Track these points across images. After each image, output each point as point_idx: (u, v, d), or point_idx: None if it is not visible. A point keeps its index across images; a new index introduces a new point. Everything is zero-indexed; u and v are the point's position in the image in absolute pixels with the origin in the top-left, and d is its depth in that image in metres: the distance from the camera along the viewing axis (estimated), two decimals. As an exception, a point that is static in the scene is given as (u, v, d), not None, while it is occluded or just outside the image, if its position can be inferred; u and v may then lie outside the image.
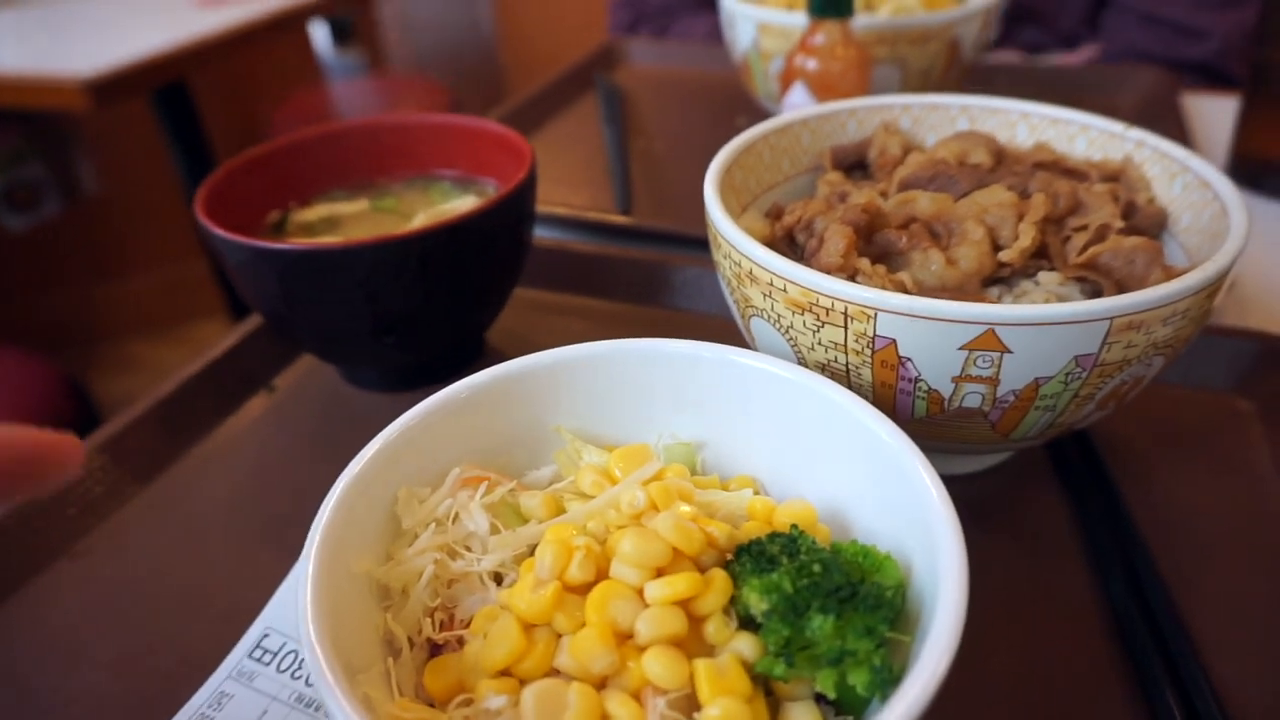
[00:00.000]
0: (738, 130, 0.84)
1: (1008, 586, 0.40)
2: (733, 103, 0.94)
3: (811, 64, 0.64)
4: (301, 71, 2.60)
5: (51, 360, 1.42)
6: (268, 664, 0.39)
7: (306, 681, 0.38)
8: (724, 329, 0.59)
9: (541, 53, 2.64)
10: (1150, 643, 0.37)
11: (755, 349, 0.43)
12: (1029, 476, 0.46)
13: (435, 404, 0.35)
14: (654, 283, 0.63)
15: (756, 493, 0.36)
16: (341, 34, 2.57)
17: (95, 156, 2.24)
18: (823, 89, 0.64)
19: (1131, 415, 0.47)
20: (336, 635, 0.27)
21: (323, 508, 0.30)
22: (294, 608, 0.40)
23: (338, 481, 0.31)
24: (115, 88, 1.41)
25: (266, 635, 0.40)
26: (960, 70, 0.75)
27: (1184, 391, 0.50)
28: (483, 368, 0.57)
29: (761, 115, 0.88)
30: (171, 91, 1.67)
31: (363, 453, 0.33)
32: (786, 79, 0.66)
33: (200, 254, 2.03)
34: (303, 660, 0.38)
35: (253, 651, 0.39)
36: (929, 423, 0.38)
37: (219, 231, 0.46)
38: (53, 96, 1.40)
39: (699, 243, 0.67)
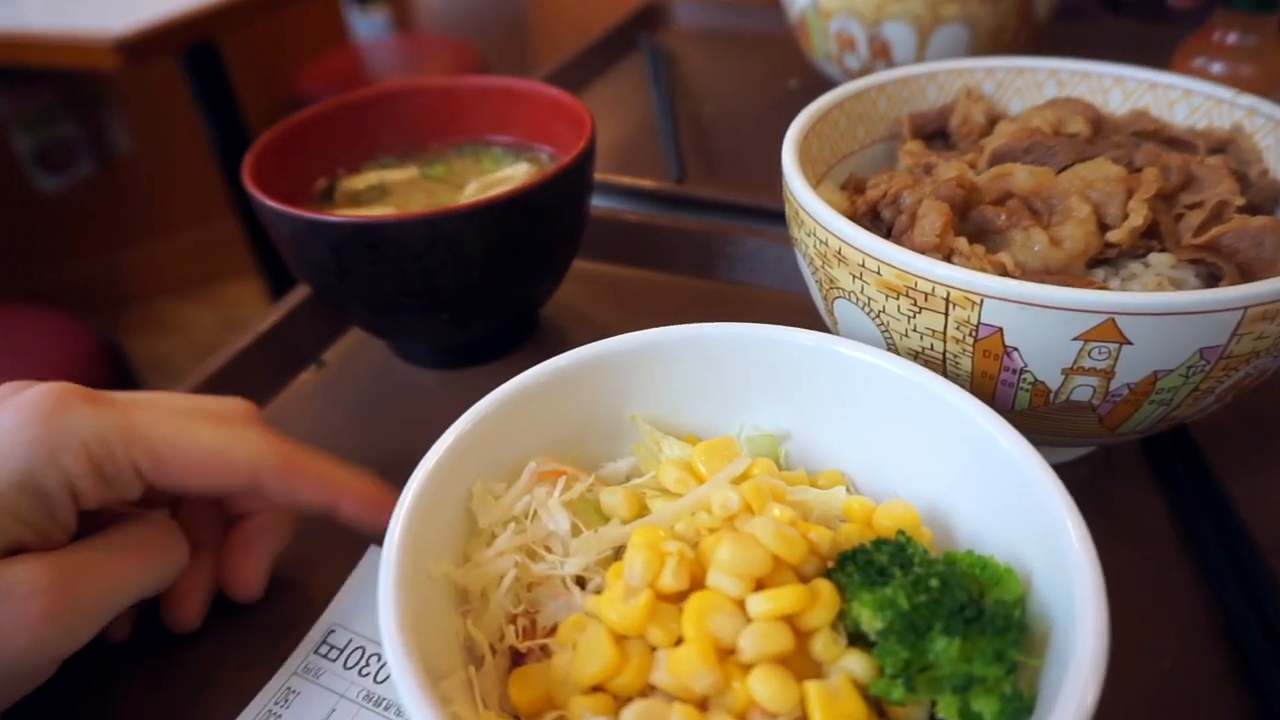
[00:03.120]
0: (791, 93, 0.80)
1: (1109, 584, 0.38)
2: (784, 63, 0.90)
3: (1218, 67, 0.55)
4: (329, 32, 2.56)
5: (86, 321, 1.42)
6: (334, 660, 0.37)
7: (375, 679, 0.36)
8: (789, 304, 0.56)
9: (571, 12, 2.58)
10: (1264, 645, 0.35)
11: (837, 332, 0.41)
12: (1121, 468, 0.44)
13: (509, 392, 0.33)
14: (710, 255, 0.60)
15: (849, 490, 0.34)
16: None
17: (127, 117, 2.22)
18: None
19: (1234, 404, 0.44)
20: (419, 643, 0.26)
21: (399, 506, 0.29)
22: (361, 604, 0.39)
23: (413, 478, 0.30)
24: (146, 47, 1.39)
25: (332, 631, 0.38)
26: (1033, 30, 0.71)
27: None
28: (537, 344, 0.56)
29: (815, 77, 0.85)
30: (202, 51, 1.64)
31: (436, 446, 0.31)
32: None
33: (230, 214, 2.01)
34: (370, 657, 0.37)
35: (319, 647, 0.38)
36: (1029, 415, 0.36)
37: (270, 202, 0.44)
38: (84, 55, 1.38)
39: (756, 212, 0.64)
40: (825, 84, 0.84)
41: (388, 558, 0.27)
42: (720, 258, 0.60)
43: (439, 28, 2.87)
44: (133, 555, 0.33)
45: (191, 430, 0.34)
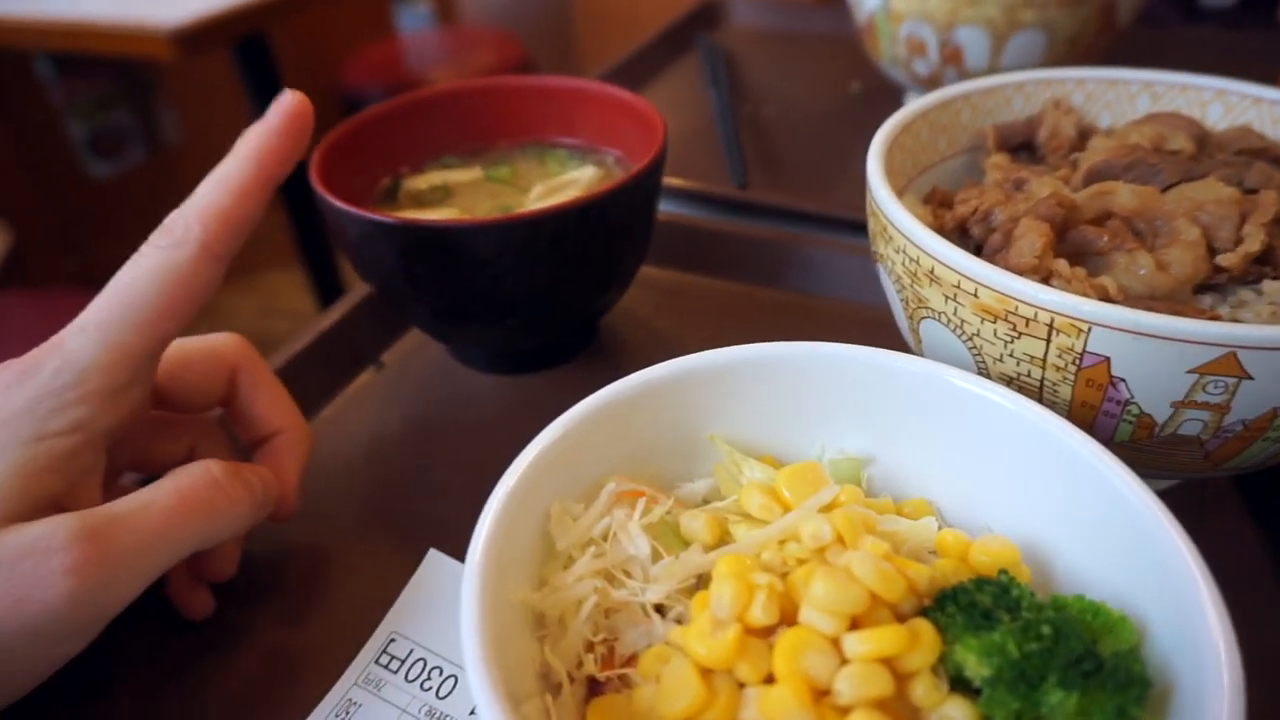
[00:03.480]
0: (852, 98, 0.78)
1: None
2: (844, 66, 0.88)
3: None
4: (374, 23, 2.58)
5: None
6: (395, 671, 0.36)
7: (437, 695, 0.36)
8: (857, 316, 0.55)
9: (615, 3, 2.57)
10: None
11: (919, 352, 0.40)
12: (1211, 502, 0.42)
13: (589, 409, 0.32)
14: (775, 263, 0.59)
15: (938, 521, 0.33)
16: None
17: (176, 106, 2.25)
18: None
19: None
20: (499, 673, 0.25)
21: (479, 528, 0.28)
22: (421, 612, 0.38)
23: (494, 496, 0.29)
24: (200, 38, 1.40)
25: (393, 640, 0.38)
26: (1112, 37, 0.68)
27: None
28: (596, 352, 0.55)
29: (877, 81, 0.83)
30: (252, 43, 1.65)
31: (516, 464, 0.30)
32: None
33: (273, 204, 2.04)
34: (432, 670, 0.36)
35: (379, 657, 0.37)
36: (1128, 447, 0.34)
37: (338, 204, 0.43)
38: (140, 45, 1.39)
39: (821, 220, 0.63)
40: (887, 88, 0.83)
41: (470, 579, 0.26)
42: (785, 266, 0.59)
43: (482, 19, 2.87)
44: (178, 503, 0.32)
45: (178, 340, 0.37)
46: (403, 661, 0.37)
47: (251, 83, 1.72)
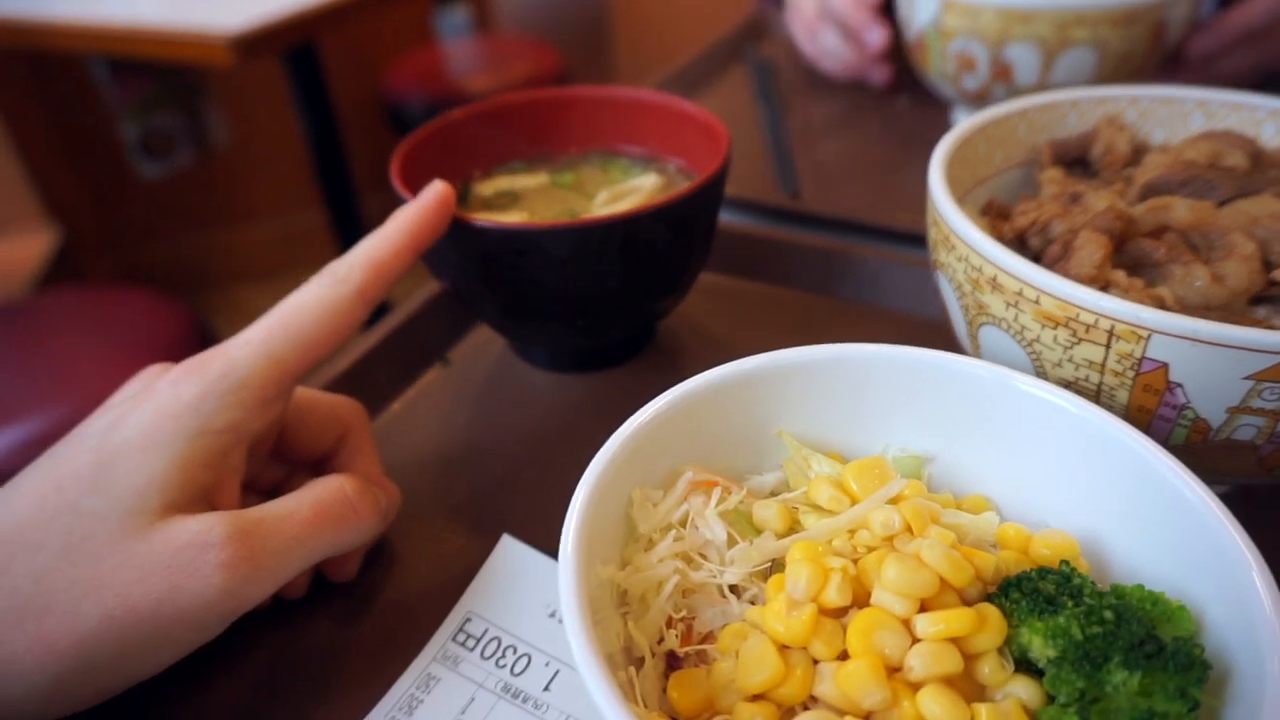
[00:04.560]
0: (898, 112, 0.80)
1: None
2: (891, 81, 0.90)
3: None
4: (414, 30, 2.62)
5: (183, 303, 1.48)
6: (472, 649, 0.38)
7: (512, 671, 0.38)
8: (910, 323, 0.56)
9: (650, 10, 2.60)
10: None
11: (979, 357, 0.41)
12: (1264, 505, 0.43)
13: (667, 403, 0.34)
14: (829, 271, 0.61)
15: (998, 516, 0.34)
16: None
17: (224, 109, 2.31)
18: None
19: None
20: (599, 645, 0.26)
21: (571, 511, 0.30)
22: (495, 594, 0.40)
23: (584, 480, 0.31)
24: (256, 45, 1.44)
25: (469, 620, 0.40)
26: (1162, 55, 0.69)
27: None
28: (654, 354, 0.57)
29: (925, 96, 0.84)
30: (302, 50, 1.69)
31: (603, 451, 0.32)
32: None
33: (314, 205, 2.07)
34: (507, 649, 0.38)
35: (456, 635, 0.39)
36: (1183, 450, 0.35)
37: (419, 206, 0.46)
38: (199, 51, 1.43)
39: (872, 231, 0.64)
40: (934, 103, 0.84)
41: (566, 559, 0.28)
42: (838, 274, 0.60)
43: (519, 26, 2.91)
44: (314, 514, 0.35)
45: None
46: (478, 640, 0.39)
47: (299, 88, 1.77)
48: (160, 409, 0.33)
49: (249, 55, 1.45)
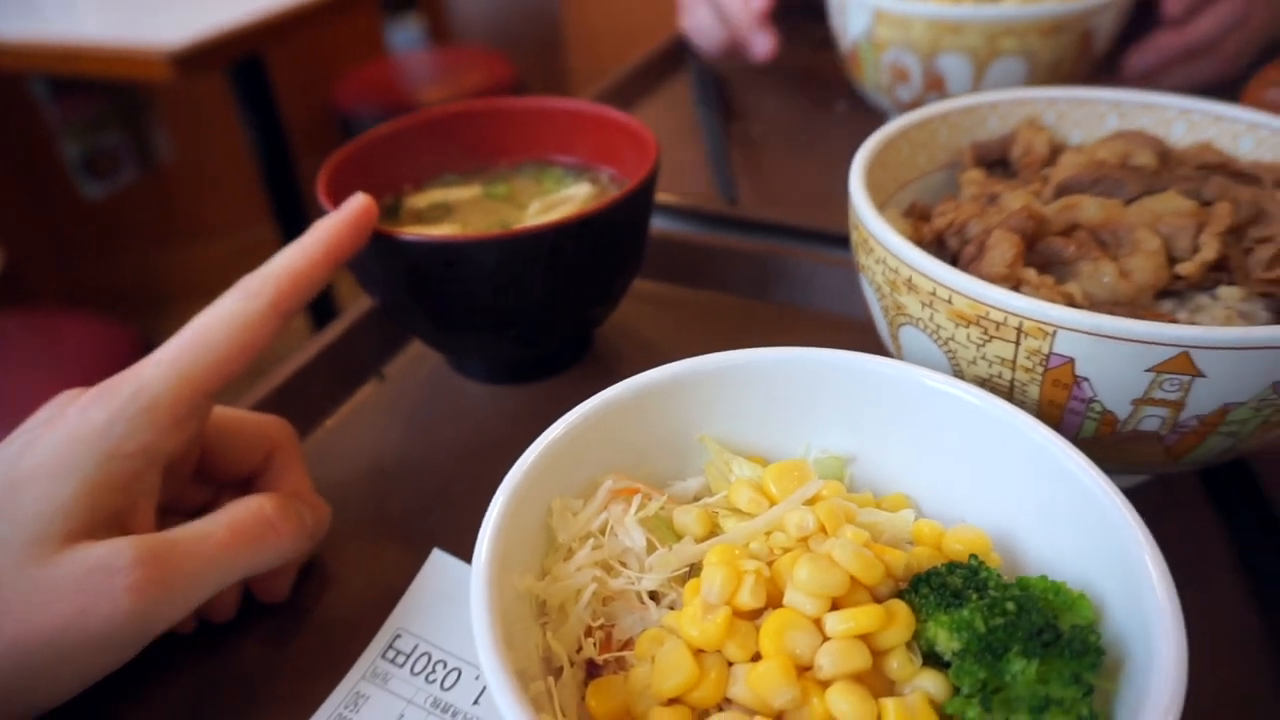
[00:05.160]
0: (838, 116, 0.81)
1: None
2: (830, 85, 0.91)
3: None
4: (366, 42, 2.61)
5: (124, 323, 1.45)
6: (401, 665, 0.38)
7: (441, 686, 0.37)
8: (843, 326, 0.57)
9: (605, 22, 2.60)
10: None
11: (900, 357, 0.42)
12: (1178, 497, 0.44)
13: (586, 412, 0.34)
14: (764, 276, 0.61)
15: (915, 514, 0.35)
16: (403, 6, 2.56)
17: (169, 125, 2.27)
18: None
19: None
20: (510, 655, 0.26)
21: (486, 521, 0.30)
22: (425, 609, 0.40)
23: (499, 493, 0.31)
24: (199, 59, 1.42)
25: (399, 636, 0.39)
26: (1091, 64, 0.71)
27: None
28: (591, 363, 0.57)
29: (862, 103, 0.86)
30: (248, 64, 1.67)
31: (520, 463, 0.32)
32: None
33: (265, 221, 2.05)
34: (436, 664, 0.38)
35: (385, 652, 0.39)
36: (1093, 443, 0.36)
37: (344, 220, 0.45)
38: (138, 68, 1.41)
39: (808, 235, 0.65)
40: (872, 107, 0.85)
41: (479, 570, 0.28)
42: (774, 279, 0.61)
43: (473, 38, 2.91)
44: (230, 535, 0.34)
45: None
46: (408, 656, 0.39)
47: (246, 103, 1.75)
48: (69, 434, 0.33)
49: (191, 71, 1.43)
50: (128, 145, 2.21)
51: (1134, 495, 0.43)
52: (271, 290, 0.37)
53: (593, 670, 0.30)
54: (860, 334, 0.49)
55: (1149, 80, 0.76)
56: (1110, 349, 0.32)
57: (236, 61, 1.62)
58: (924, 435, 0.35)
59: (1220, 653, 0.37)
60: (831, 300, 0.59)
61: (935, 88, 0.71)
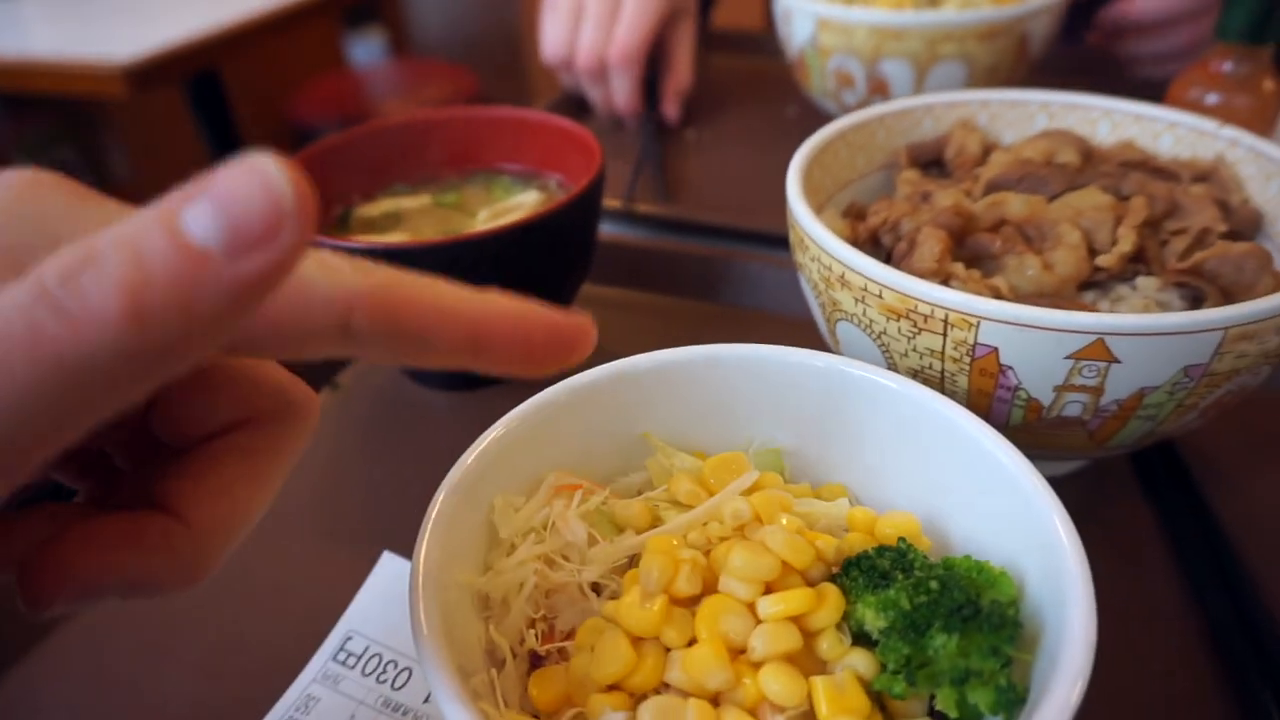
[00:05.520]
0: (788, 121, 0.82)
1: (1099, 594, 0.39)
2: (781, 90, 0.93)
3: (1213, 98, 0.55)
4: (326, 55, 2.60)
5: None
6: (352, 667, 0.38)
7: (392, 686, 0.38)
8: (790, 325, 0.58)
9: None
10: (1250, 653, 0.36)
11: (839, 352, 0.43)
12: (1110, 483, 0.45)
13: (528, 410, 0.35)
14: (713, 278, 0.62)
15: (850, 502, 0.36)
16: (363, 19, 2.56)
17: (125, 141, 2.25)
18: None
19: (1216, 420, 0.46)
20: (448, 648, 0.27)
21: (427, 519, 0.30)
22: (376, 611, 0.41)
23: (440, 491, 0.31)
24: (152, 75, 1.42)
25: (350, 638, 0.40)
26: (1028, 66, 0.73)
27: (1269, 395, 0.49)
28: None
29: (812, 108, 0.87)
30: (204, 79, 1.67)
31: (461, 460, 0.32)
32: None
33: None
34: (388, 664, 0.39)
35: (337, 654, 0.39)
36: (1022, 430, 0.38)
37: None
38: (91, 84, 1.40)
39: (758, 237, 0.66)
40: (822, 111, 0.87)
41: (416, 567, 0.28)
42: (723, 281, 0.62)
43: (434, 51, 2.91)
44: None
45: None
46: (359, 658, 0.39)
47: (202, 118, 1.74)
48: None
49: (145, 86, 1.42)
50: (81, 162, 2.18)
51: (1070, 481, 0.45)
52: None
53: (536, 661, 0.31)
54: (807, 332, 0.50)
55: (1121, 39, 0.78)
56: (1030, 337, 0.33)
57: (192, 76, 1.61)
58: (858, 427, 0.36)
59: (1149, 630, 0.38)
60: (780, 300, 0.60)
61: (879, 92, 0.73)
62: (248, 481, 0.24)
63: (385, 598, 0.41)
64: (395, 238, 0.54)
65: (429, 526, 0.30)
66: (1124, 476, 0.46)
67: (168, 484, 0.24)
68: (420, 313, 0.22)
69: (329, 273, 0.21)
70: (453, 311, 0.23)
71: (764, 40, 1.05)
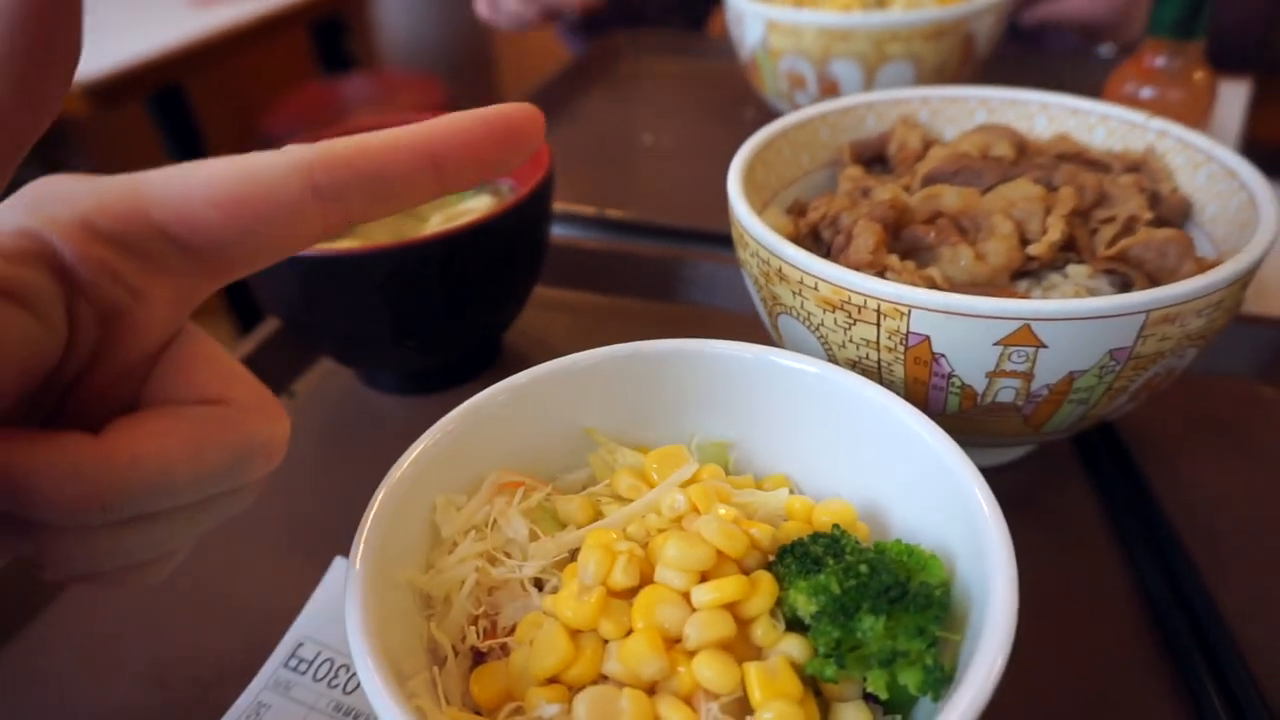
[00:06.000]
0: (745, 123, 0.83)
1: (1041, 578, 0.39)
2: (739, 95, 0.94)
3: (1148, 92, 0.57)
4: (297, 71, 2.59)
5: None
6: (304, 673, 0.38)
7: (344, 690, 0.38)
8: (743, 324, 0.58)
9: (534, 43, 2.62)
10: (1188, 632, 0.37)
11: (783, 346, 0.43)
12: (1055, 468, 0.46)
13: (468, 410, 0.35)
14: (667, 279, 0.63)
15: (792, 492, 0.36)
16: (334, 33, 2.55)
17: (91, 157, 2.23)
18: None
19: (1157, 404, 0.47)
20: (385, 646, 0.27)
21: (365, 518, 0.30)
22: (328, 616, 0.41)
23: (378, 491, 0.31)
24: (114, 92, 1.41)
25: (301, 644, 0.40)
26: (974, 65, 0.74)
27: (1208, 379, 0.50)
28: (501, 369, 0.58)
29: (768, 110, 0.88)
30: (168, 94, 1.66)
31: (400, 461, 0.33)
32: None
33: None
34: (339, 668, 0.39)
35: (288, 661, 0.39)
36: (960, 417, 0.38)
37: (239, 238, 0.46)
38: (51, 101, 1.39)
39: (712, 238, 0.67)
40: (777, 113, 0.88)
41: (354, 566, 0.28)
42: (676, 281, 0.62)
43: (405, 62, 2.90)
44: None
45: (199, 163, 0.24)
46: (310, 663, 0.39)
47: (168, 134, 1.73)
48: None
49: (109, 103, 1.41)
50: (46, 181, 2.16)
51: (1015, 467, 0.46)
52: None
53: (479, 658, 0.31)
54: (758, 329, 0.50)
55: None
56: (960, 325, 0.34)
57: (155, 91, 1.60)
58: (796, 417, 0.37)
59: (1091, 610, 0.39)
60: (731, 299, 0.60)
61: (830, 92, 0.74)
62: (182, 439, 0.22)
63: (337, 603, 0.41)
64: (345, 244, 0.54)
65: (365, 526, 0.30)
66: (1068, 461, 0.47)
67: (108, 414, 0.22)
68: (370, 151, 0.24)
69: (281, 152, 0.23)
70: (399, 141, 0.25)
71: (723, 45, 1.06)
